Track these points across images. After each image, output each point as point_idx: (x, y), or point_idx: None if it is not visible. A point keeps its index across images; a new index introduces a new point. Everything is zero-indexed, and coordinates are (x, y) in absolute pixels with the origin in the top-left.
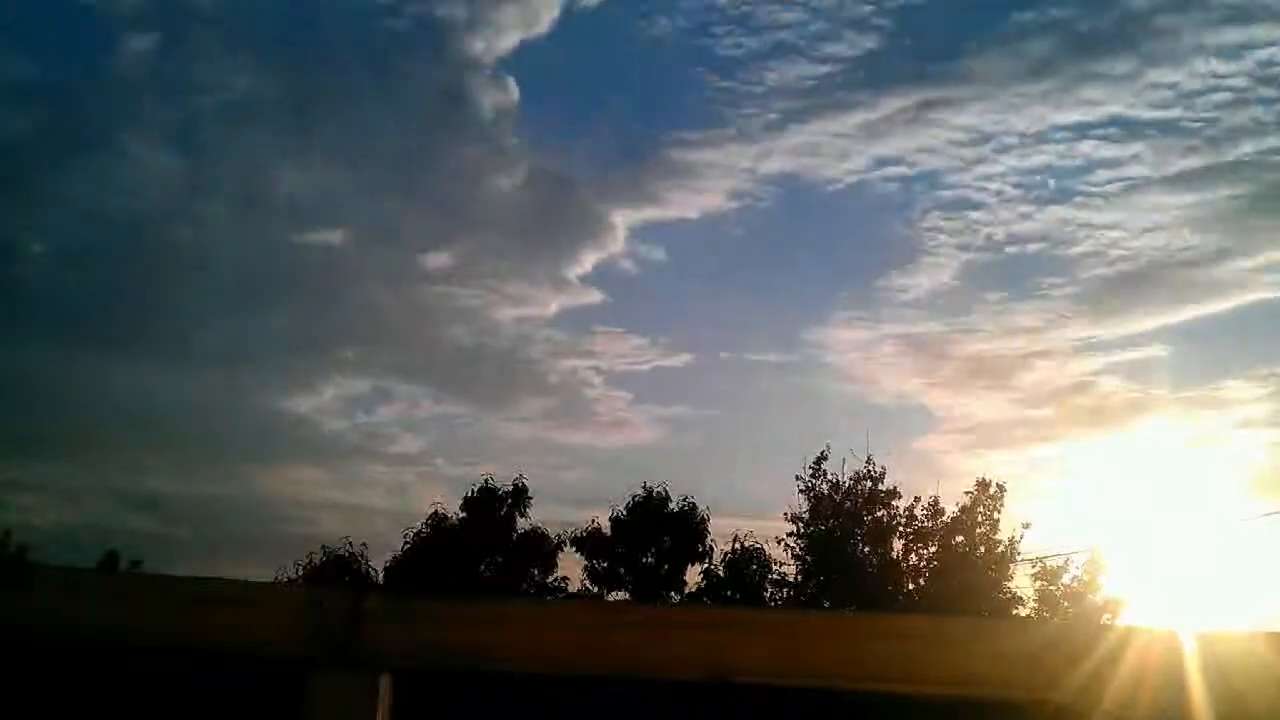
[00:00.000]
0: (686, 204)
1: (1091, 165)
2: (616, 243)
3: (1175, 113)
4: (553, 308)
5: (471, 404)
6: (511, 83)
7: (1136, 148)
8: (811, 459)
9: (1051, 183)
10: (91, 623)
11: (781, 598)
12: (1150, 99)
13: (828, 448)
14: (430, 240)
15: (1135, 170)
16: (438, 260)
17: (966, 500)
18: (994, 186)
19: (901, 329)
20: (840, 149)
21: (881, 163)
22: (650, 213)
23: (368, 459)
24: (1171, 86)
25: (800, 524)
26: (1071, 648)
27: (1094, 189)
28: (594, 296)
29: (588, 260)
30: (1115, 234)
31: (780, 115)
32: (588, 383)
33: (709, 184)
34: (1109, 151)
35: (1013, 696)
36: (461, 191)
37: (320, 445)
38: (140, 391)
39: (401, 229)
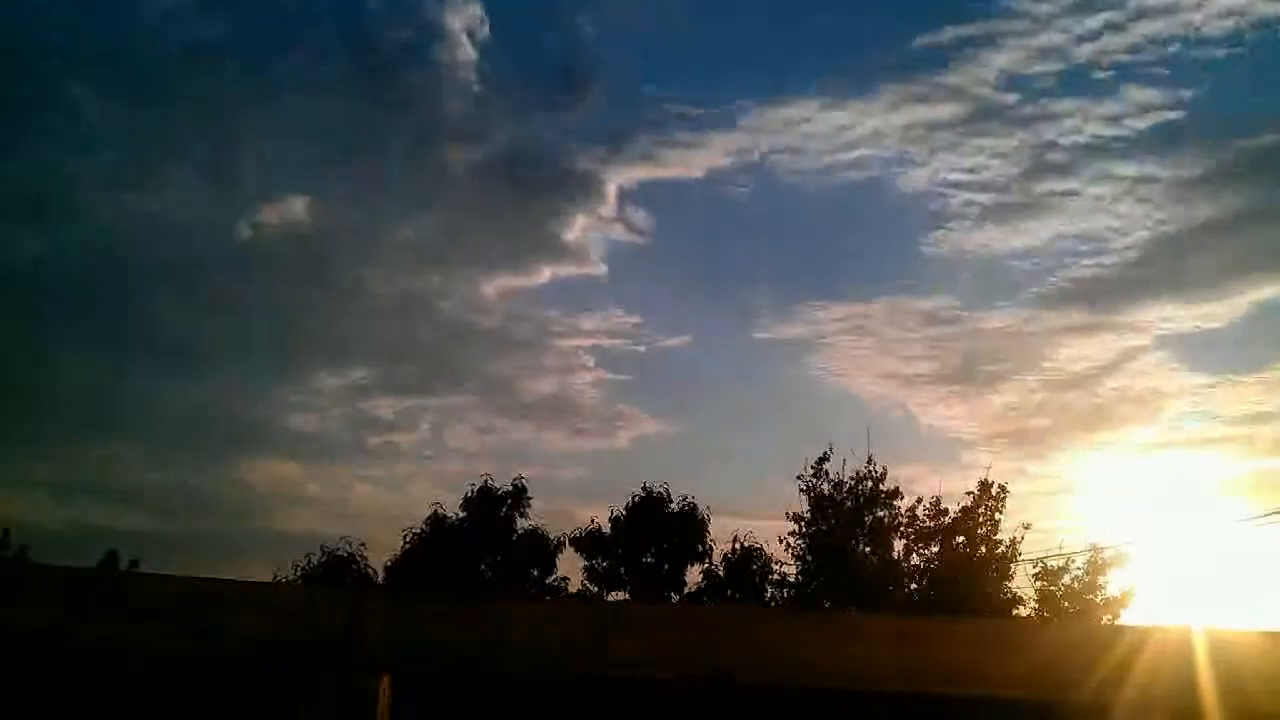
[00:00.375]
0: (686, 163)
1: (1133, 111)
2: (608, 207)
3: (1237, 50)
4: (546, 275)
5: (465, 395)
6: (479, 10)
7: (1187, 93)
8: (813, 454)
9: (1088, 127)
10: (91, 623)
11: (782, 598)
12: (1209, 33)
13: (830, 447)
14: (407, 211)
15: (1180, 115)
16: (418, 233)
17: (968, 500)
18: (1025, 136)
19: (916, 304)
20: (856, 97)
21: (902, 110)
22: (649, 171)
23: (360, 455)
24: (1241, 13)
25: (801, 523)
26: (1076, 648)
27: (1135, 136)
28: (587, 269)
29: (578, 226)
30: (1153, 188)
31: (793, 56)
32: (583, 365)
33: (710, 139)
34: (1150, 95)
35: (1018, 696)
36: (439, 158)
37: (310, 441)
38: (129, 387)
39: (377, 200)
